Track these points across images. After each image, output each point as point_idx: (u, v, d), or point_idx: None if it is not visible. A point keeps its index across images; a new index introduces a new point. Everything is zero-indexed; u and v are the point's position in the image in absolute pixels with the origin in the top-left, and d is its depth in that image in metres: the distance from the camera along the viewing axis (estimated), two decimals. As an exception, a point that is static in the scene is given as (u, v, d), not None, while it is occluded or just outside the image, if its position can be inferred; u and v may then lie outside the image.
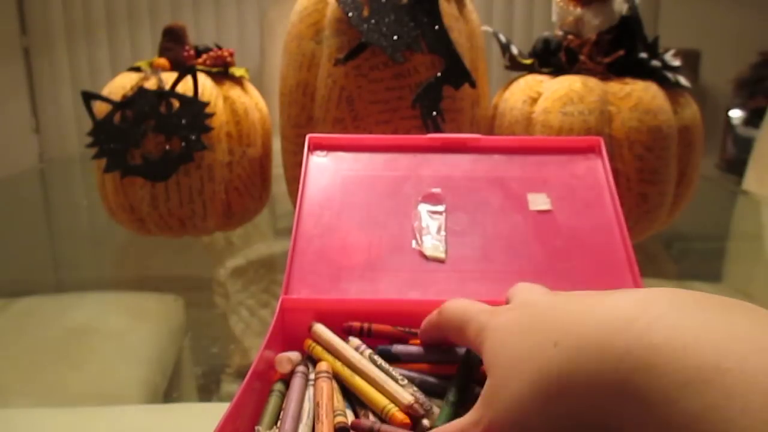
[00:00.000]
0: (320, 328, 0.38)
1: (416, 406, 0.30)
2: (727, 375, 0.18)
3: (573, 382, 0.23)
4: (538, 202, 0.46)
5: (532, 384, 0.24)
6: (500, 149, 0.49)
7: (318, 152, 0.49)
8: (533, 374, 0.24)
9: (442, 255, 0.43)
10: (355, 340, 0.37)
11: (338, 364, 0.35)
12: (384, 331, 0.38)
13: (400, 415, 0.30)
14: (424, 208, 0.46)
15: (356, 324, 0.38)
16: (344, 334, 0.38)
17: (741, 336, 0.19)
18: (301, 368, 0.36)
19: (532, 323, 0.27)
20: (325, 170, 0.48)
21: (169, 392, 0.56)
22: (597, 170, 0.47)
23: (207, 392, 0.56)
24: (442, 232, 0.44)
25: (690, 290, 0.23)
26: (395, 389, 0.31)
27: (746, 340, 0.19)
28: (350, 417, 0.32)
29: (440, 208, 0.46)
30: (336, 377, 0.35)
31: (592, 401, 0.22)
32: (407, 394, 0.31)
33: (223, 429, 0.28)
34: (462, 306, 0.33)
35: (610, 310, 0.23)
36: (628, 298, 0.23)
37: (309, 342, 0.38)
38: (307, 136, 0.49)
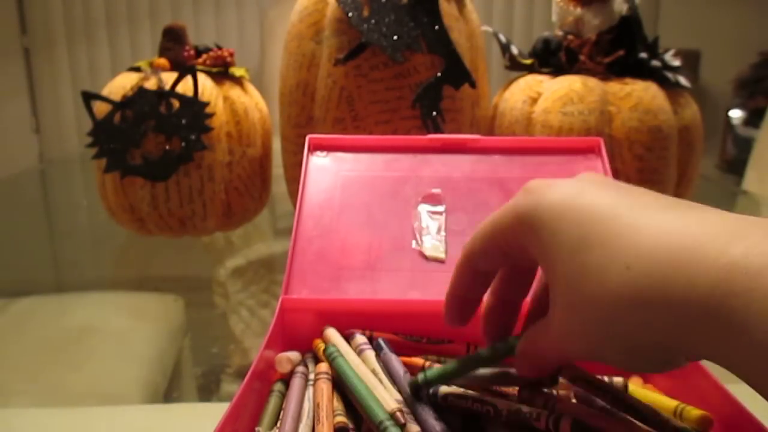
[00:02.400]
0: (331, 332, 0.38)
1: (398, 414, 0.30)
2: None
3: (651, 307, 0.22)
4: None
5: (600, 307, 0.24)
6: (500, 150, 0.49)
7: (318, 153, 0.49)
8: (601, 297, 0.24)
9: (442, 255, 0.43)
10: (360, 338, 0.37)
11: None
12: (386, 338, 0.38)
13: None
14: (424, 209, 0.46)
15: (358, 331, 0.38)
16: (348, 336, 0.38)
17: None
18: (300, 368, 0.36)
19: (599, 233, 0.25)
20: (325, 171, 0.48)
21: (169, 392, 0.56)
22: (597, 171, 0.47)
23: (207, 392, 0.56)
24: (442, 233, 0.44)
25: None
26: (381, 395, 0.31)
27: None
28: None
29: (440, 208, 0.46)
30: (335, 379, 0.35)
31: (669, 327, 0.22)
32: (392, 402, 0.31)
33: (223, 429, 0.28)
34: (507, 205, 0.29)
35: (697, 235, 0.22)
36: (715, 222, 0.23)
37: (317, 342, 0.38)
38: (307, 137, 0.49)
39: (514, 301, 0.33)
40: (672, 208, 0.24)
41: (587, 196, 0.26)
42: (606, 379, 0.34)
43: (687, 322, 0.21)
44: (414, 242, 0.44)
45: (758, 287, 0.20)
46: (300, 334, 0.39)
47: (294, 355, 0.37)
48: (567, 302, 0.26)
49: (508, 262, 0.31)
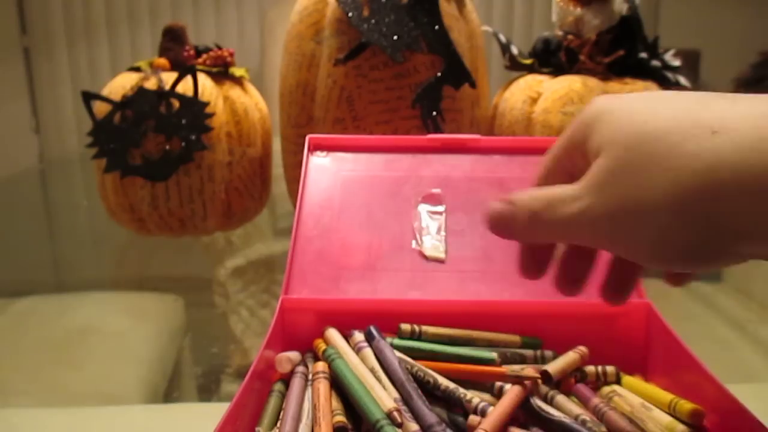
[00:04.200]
0: (332, 333, 0.38)
1: (395, 414, 0.30)
2: None
3: (740, 179, 0.19)
4: None
5: (679, 175, 0.20)
6: (500, 150, 0.49)
7: (318, 152, 0.49)
8: (682, 164, 0.21)
9: (442, 255, 0.43)
10: (358, 336, 0.37)
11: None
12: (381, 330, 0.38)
13: None
14: (424, 209, 0.46)
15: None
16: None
17: None
18: (300, 368, 0.36)
19: (677, 105, 0.22)
20: (325, 171, 0.48)
21: (169, 392, 0.56)
22: None
23: (207, 392, 0.56)
24: (442, 233, 0.44)
25: None
26: (379, 395, 0.31)
27: None
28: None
29: (440, 208, 0.46)
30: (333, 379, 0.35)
31: (748, 206, 0.19)
32: (390, 401, 0.31)
33: (223, 429, 0.28)
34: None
35: None
36: None
37: (318, 342, 0.38)
38: (307, 137, 0.49)
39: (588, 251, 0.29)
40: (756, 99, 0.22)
41: (657, 92, 0.25)
42: (599, 369, 0.35)
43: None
44: (414, 242, 0.44)
45: None
46: (300, 334, 0.39)
47: (294, 355, 0.37)
48: (621, 164, 0.22)
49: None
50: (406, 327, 0.38)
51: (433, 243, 0.43)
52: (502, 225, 0.28)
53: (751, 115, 0.20)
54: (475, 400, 0.31)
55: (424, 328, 0.38)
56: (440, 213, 0.45)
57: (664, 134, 0.22)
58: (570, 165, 0.28)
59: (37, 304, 0.69)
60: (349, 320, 0.39)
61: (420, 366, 0.34)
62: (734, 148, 0.20)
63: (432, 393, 0.33)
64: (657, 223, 0.21)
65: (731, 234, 0.20)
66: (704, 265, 0.22)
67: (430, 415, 0.30)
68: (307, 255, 0.43)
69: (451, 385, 0.32)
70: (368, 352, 0.36)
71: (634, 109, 0.24)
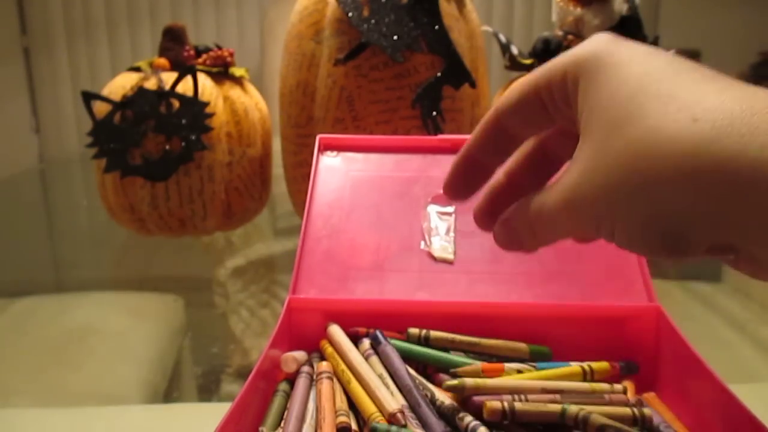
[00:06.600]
0: (334, 329, 0.38)
1: (399, 415, 0.30)
2: None
3: (715, 169, 0.19)
4: None
5: (648, 156, 0.20)
6: None
7: (328, 152, 0.49)
8: (654, 145, 0.20)
9: (450, 256, 0.43)
10: (365, 343, 0.37)
11: (342, 367, 0.35)
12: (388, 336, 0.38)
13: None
14: (433, 209, 0.46)
15: (362, 329, 0.38)
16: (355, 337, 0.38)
17: None
18: (306, 368, 0.35)
19: (663, 84, 0.22)
20: (335, 170, 0.48)
21: (169, 392, 0.56)
22: None
23: (207, 392, 0.56)
24: (451, 234, 0.44)
25: None
26: (384, 397, 0.31)
27: None
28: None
29: (449, 209, 0.46)
30: (338, 379, 0.34)
31: (729, 195, 0.19)
32: (394, 403, 0.31)
33: (225, 427, 0.28)
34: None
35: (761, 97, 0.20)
36: None
37: (324, 342, 0.38)
38: (318, 137, 0.49)
39: (526, 190, 0.29)
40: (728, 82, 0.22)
41: (657, 55, 0.24)
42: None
43: (741, 191, 0.19)
44: (423, 243, 0.44)
45: None
46: (306, 333, 0.39)
47: (300, 354, 0.37)
48: (603, 149, 0.22)
49: (542, 123, 0.28)
50: (413, 331, 0.38)
51: (441, 244, 0.43)
52: (513, 244, 0.28)
53: (731, 103, 0.20)
54: (467, 419, 0.30)
55: (432, 333, 0.38)
56: (449, 214, 0.45)
57: (653, 115, 0.21)
58: (546, 92, 0.26)
59: (37, 304, 0.69)
60: (356, 320, 0.39)
61: (421, 379, 0.34)
62: (714, 136, 0.20)
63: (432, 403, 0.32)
64: (634, 207, 0.21)
65: (702, 220, 0.20)
66: (675, 256, 0.22)
67: (437, 423, 0.29)
68: (315, 255, 0.43)
69: (447, 401, 0.32)
70: (376, 360, 0.35)
71: (630, 76, 0.23)
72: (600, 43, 0.25)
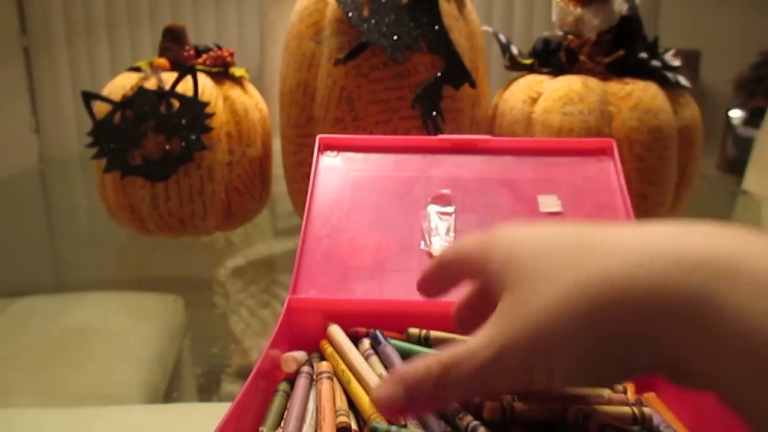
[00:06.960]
0: (334, 329, 0.38)
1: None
2: None
3: (628, 291, 0.21)
4: (549, 204, 0.45)
5: (573, 291, 0.22)
6: (511, 150, 0.49)
7: (328, 152, 0.49)
8: (576, 281, 0.22)
9: None
10: (365, 343, 0.37)
11: (342, 367, 0.35)
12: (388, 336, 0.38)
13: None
14: (433, 209, 0.46)
15: (362, 329, 0.38)
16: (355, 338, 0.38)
17: None
18: (306, 368, 0.35)
19: (574, 237, 0.25)
20: (335, 170, 0.48)
21: (169, 392, 0.56)
22: (609, 172, 0.47)
23: (207, 392, 0.56)
24: (451, 234, 0.44)
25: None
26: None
27: None
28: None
29: (450, 209, 0.46)
30: (338, 379, 0.34)
31: (648, 313, 0.21)
32: None
33: (225, 427, 0.28)
34: (466, 240, 0.30)
35: (677, 230, 0.22)
36: (695, 226, 0.23)
37: (324, 343, 0.38)
38: (318, 136, 0.49)
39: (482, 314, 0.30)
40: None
41: (552, 228, 0.27)
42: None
43: (669, 314, 0.21)
44: (423, 243, 0.44)
45: (741, 270, 0.20)
46: (306, 333, 0.39)
47: (300, 354, 0.37)
48: (523, 297, 0.24)
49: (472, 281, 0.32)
50: (413, 331, 0.38)
51: (441, 244, 0.43)
52: (394, 409, 0.27)
53: (639, 241, 0.23)
54: (467, 419, 0.30)
55: (432, 333, 0.38)
56: (450, 214, 0.45)
57: (569, 260, 0.24)
58: (466, 264, 0.30)
59: (37, 304, 0.69)
60: (356, 320, 0.39)
61: None
62: (624, 264, 0.22)
63: None
64: (565, 349, 0.23)
65: (638, 344, 0.22)
66: (618, 381, 0.25)
67: (437, 423, 0.29)
68: (315, 255, 0.43)
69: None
70: (376, 360, 0.35)
71: (528, 240, 0.26)
72: (498, 230, 0.28)
